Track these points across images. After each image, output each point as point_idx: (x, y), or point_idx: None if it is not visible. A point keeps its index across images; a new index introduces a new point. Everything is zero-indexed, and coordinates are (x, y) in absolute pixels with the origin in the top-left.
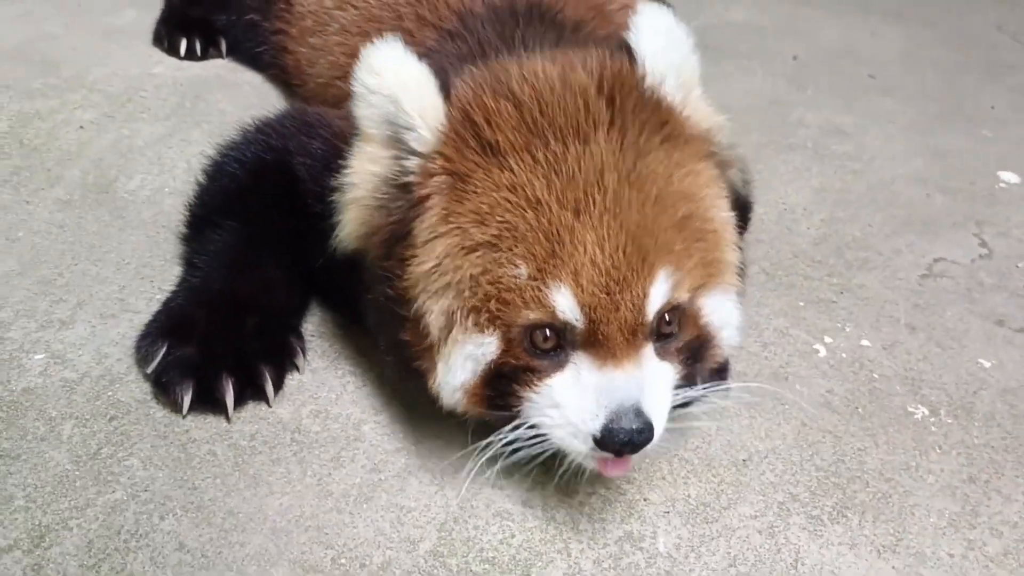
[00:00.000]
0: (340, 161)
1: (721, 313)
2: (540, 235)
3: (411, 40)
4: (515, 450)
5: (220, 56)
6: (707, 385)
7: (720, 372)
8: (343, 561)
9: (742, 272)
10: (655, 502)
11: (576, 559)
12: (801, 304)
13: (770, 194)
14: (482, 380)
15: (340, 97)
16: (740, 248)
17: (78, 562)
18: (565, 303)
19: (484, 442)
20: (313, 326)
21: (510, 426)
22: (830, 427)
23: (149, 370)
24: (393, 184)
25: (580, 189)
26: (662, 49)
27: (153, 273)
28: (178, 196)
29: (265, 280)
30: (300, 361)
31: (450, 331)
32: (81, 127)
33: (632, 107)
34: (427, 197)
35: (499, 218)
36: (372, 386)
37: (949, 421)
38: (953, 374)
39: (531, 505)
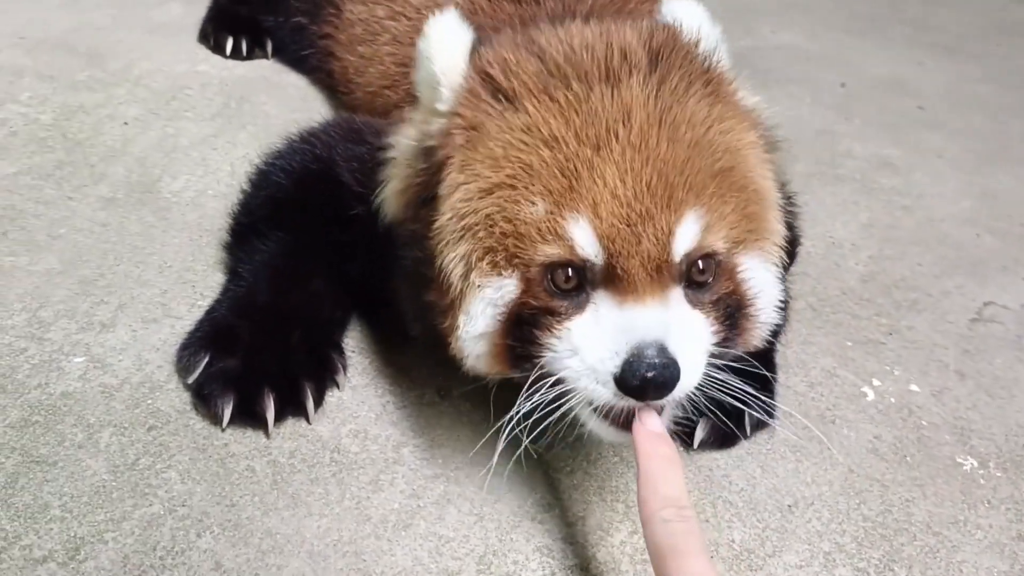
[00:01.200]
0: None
1: (760, 277)
2: (556, 171)
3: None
4: (538, 420)
5: (265, 57)
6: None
7: (765, 405)
8: None
9: (786, 264)
10: None
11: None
12: (849, 344)
13: (817, 227)
14: (503, 328)
15: (388, 106)
16: (786, 264)
17: None
18: (583, 236)
19: (508, 416)
20: (354, 342)
21: (532, 389)
22: (877, 475)
23: (190, 380)
24: (420, 148)
25: (602, 126)
26: (708, 30)
27: (195, 278)
28: (221, 200)
29: (309, 293)
30: (341, 378)
31: (468, 277)
32: (126, 123)
33: (678, 61)
34: (448, 158)
35: (514, 158)
36: (412, 407)
37: (998, 474)
38: (1003, 425)
39: (571, 542)
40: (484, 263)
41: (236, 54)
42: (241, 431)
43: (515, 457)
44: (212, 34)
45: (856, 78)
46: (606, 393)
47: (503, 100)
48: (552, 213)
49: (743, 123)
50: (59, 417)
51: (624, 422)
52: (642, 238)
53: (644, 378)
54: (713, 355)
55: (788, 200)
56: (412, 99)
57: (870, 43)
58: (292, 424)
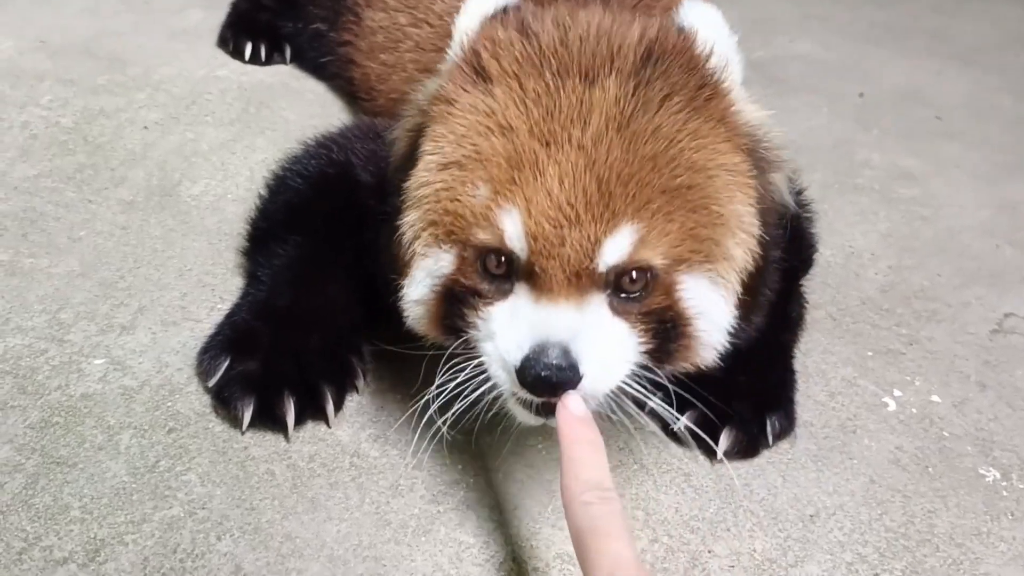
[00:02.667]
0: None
1: (703, 300)
2: (503, 160)
3: None
4: (462, 392)
5: (284, 62)
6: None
7: (786, 413)
8: None
9: (756, 290)
10: (720, 555)
11: None
12: (869, 354)
13: (836, 237)
14: (438, 297)
15: None
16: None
17: None
18: (512, 228)
19: (435, 384)
20: (373, 346)
21: (455, 365)
22: (899, 486)
23: (210, 383)
24: (418, 106)
25: (558, 123)
26: (723, 39)
27: (215, 282)
28: (241, 204)
29: (329, 297)
30: (360, 382)
31: (413, 244)
32: (146, 127)
33: (671, 69)
34: (426, 125)
35: (471, 141)
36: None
37: (1021, 486)
38: None
39: None
40: (427, 234)
41: (255, 59)
42: (261, 435)
43: (528, 463)
44: (231, 39)
45: (874, 88)
46: (508, 382)
47: (480, 79)
48: (491, 200)
49: (724, 143)
50: (79, 419)
51: (543, 408)
52: (566, 242)
53: (538, 376)
54: (645, 367)
55: (803, 208)
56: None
57: (888, 53)
58: (312, 428)
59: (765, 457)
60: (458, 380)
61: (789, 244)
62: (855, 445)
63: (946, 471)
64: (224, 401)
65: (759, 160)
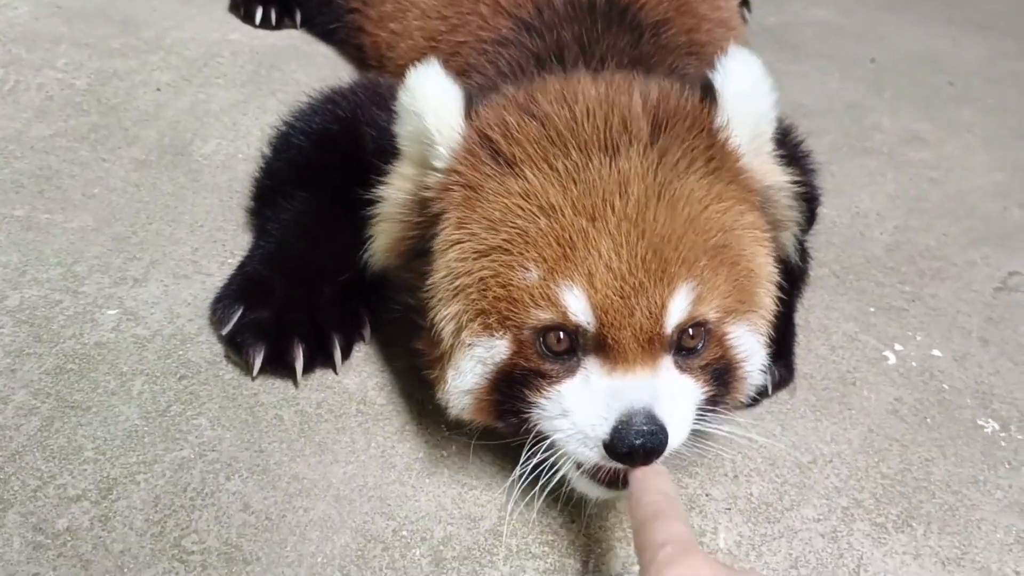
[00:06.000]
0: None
1: (748, 344)
2: (552, 239)
3: (484, 26)
4: (538, 475)
5: (294, 27)
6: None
7: (786, 364)
8: (404, 533)
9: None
10: (717, 498)
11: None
12: (872, 310)
13: (843, 198)
14: (491, 384)
15: None
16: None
17: (144, 516)
18: (577, 304)
19: (513, 476)
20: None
21: (529, 452)
22: (897, 435)
23: (224, 332)
24: (415, 200)
25: (599, 196)
26: (746, 96)
27: (226, 237)
28: (251, 163)
29: (337, 250)
30: (367, 332)
31: (459, 335)
32: (158, 89)
33: (681, 133)
34: (443, 212)
35: (511, 224)
36: None
37: (1019, 437)
38: None
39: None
40: (476, 323)
41: (265, 24)
42: (270, 382)
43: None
44: (242, 4)
45: (888, 53)
46: (594, 456)
47: (503, 164)
48: (546, 280)
49: (743, 204)
50: (93, 365)
51: (610, 480)
52: (635, 310)
53: (633, 445)
54: (701, 412)
55: (804, 158)
56: (395, 152)
57: (903, 19)
58: (319, 376)
59: (764, 407)
60: (534, 463)
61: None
62: (854, 396)
63: (945, 422)
64: (236, 347)
65: (772, 221)
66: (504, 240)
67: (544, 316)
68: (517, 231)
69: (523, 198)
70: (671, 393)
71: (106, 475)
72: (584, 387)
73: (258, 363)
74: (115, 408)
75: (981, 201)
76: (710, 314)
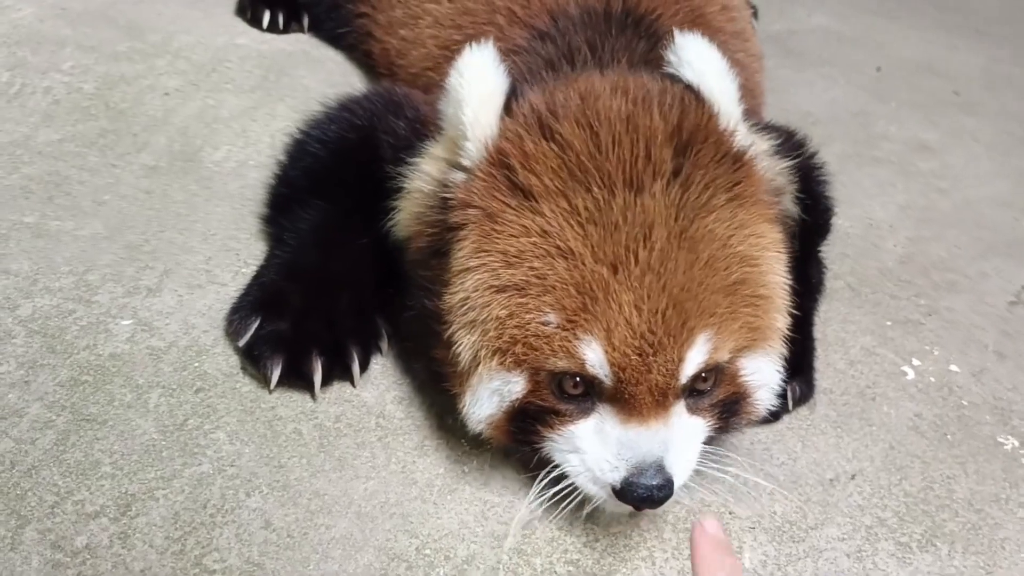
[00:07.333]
0: (421, 145)
1: (761, 374)
2: (571, 288)
3: (500, 36)
4: (558, 495)
5: (302, 31)
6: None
7: (806, 380)
8: (428, 552)
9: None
10: (741, 517)
11: (660, 568)
12: (888, 323)
13: (855, 208)
14: (507, 416)
15: (430, 87)
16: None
17: (164, 534)
18: (595, 358)
19: (530, 495)
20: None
21: (546, 472)
22: (918, 452)
23: (241, 343)
24: (438, 195)
25: (621, 244)
26: (726, 89)
27: (239, 246)
28: (263, 170)
29: (355, 259)
30: (384, 344)
31: (477, 366)
32: (166, 94)
33: (706, 161)
34: (463, 225)
35: (528, 264)
36: None
37: None
38: None
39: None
40: (493, 361)
41: (273, 28)
42: (288, 395)
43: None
44: (249, 7)
45: (890, 61)
46: (603, 494)
47: (520, 194)
48: (565, 330)
49: (764, 223)
50: (108, 377)
51: None
52: (652, 368)
53: (642, 497)
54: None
55: (817, 169)
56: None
57: (903, 26)
58: (337, 389)
59: (785, 423)
60: (557, 489)
61: (804, 205)
62: (874, 412)
63: (965, 438)
64: (253, 360)
65: (784, 215)
66: (521, 280)
67: (561, 364)
68: (535, 273)
69: (541, 236)
70: (680, 440)
71: (124, 491)
72: (597, 431)
73: (276, 376)
74: (132, 422)
75: (989, 210)
76: (724, 356)
